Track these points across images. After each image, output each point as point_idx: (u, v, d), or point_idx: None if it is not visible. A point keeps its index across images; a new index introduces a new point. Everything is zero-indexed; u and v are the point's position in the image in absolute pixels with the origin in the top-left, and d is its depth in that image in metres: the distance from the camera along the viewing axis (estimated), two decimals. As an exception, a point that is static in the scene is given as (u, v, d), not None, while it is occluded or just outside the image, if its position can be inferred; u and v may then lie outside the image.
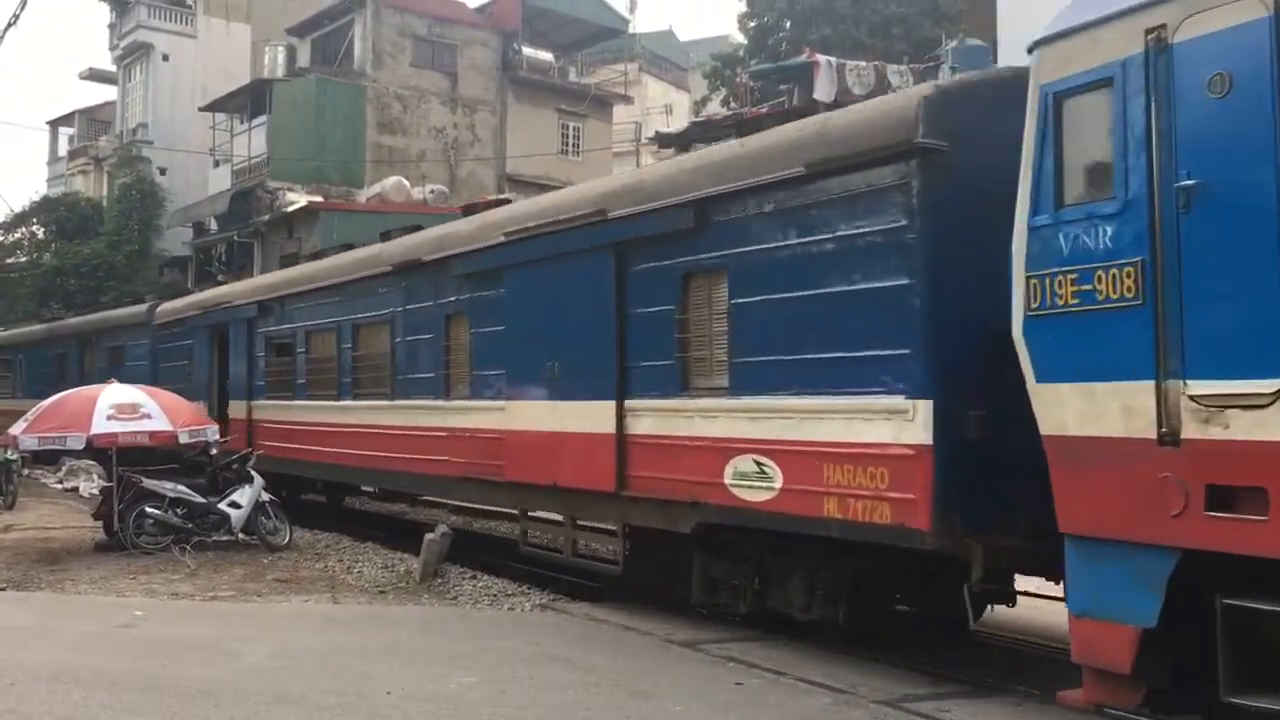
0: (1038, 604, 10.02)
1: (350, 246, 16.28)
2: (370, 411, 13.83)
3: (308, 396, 15.53)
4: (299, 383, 15.82)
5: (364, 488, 17.70)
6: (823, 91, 19.79)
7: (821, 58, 21.63)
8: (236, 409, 17.68)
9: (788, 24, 34.34)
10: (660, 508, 9.08)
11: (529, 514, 11.33)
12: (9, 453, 17.64)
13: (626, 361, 9.51)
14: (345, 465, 14.61)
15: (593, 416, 9.76)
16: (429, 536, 11.77)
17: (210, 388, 18.62)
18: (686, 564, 9.23)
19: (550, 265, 10.53)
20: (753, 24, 35.81)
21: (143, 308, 22.91)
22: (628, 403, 9.46)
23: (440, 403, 12.26)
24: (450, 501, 17.03)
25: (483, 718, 6.59)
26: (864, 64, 21.90)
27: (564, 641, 8.85)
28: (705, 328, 8.84)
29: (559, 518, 10.73)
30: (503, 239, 11.16)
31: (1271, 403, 5.05)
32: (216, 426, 14.68)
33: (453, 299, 12.17)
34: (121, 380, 15.33)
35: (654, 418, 9.21)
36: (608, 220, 9.72)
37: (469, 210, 13.68)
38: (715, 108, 34.55)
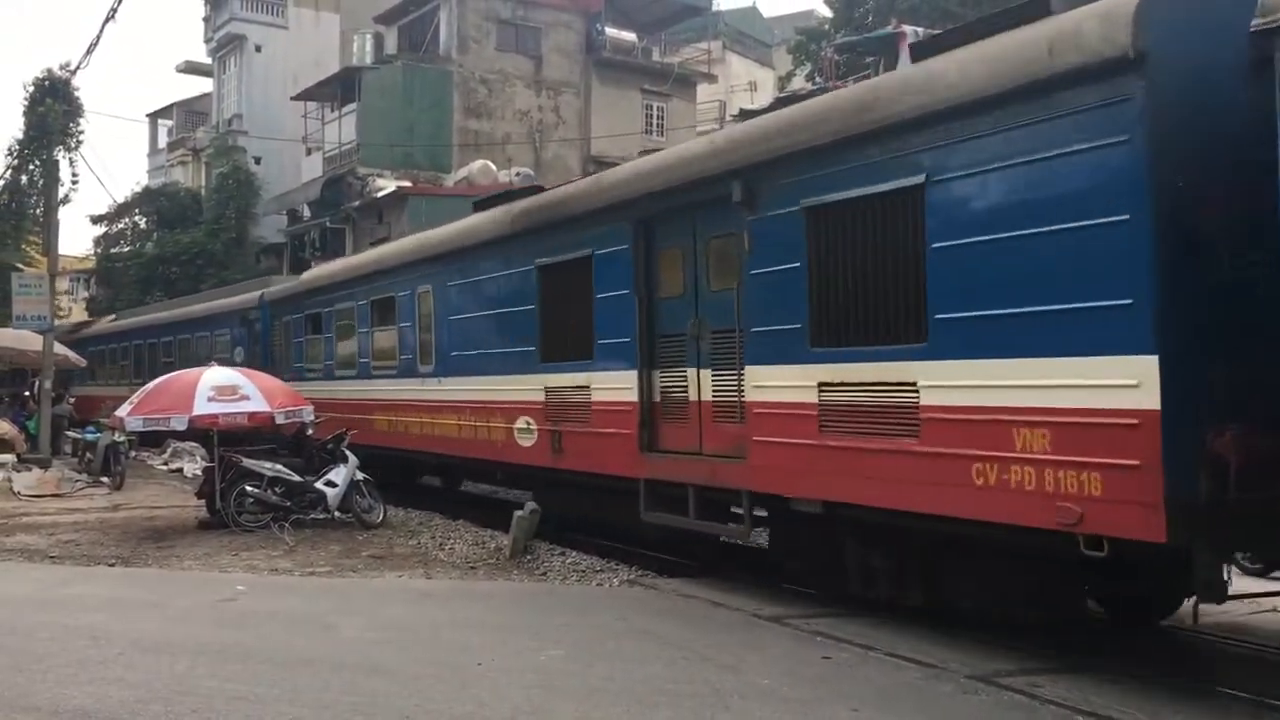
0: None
1: None
2: None
3: None
4: None
5: None
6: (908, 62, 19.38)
7: (908, 27, 21.16)
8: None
9: (874, -6, 33.73)
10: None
11: None
12: (117, 435, 18.31)
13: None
14: None
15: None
16: (518, 514, 11.90)
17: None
18: None
19: None
20: (838, -5, 35.24)
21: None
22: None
23: None
24: None
25: (572, 689, 6.65)
26: (952, 33, 21.34)
27: (652, 616, 8.89)
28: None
29: None
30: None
31: None
32: (311, 407, 14.80)
33: None
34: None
35: None
36: None
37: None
38: (800, 83, 34.11)
